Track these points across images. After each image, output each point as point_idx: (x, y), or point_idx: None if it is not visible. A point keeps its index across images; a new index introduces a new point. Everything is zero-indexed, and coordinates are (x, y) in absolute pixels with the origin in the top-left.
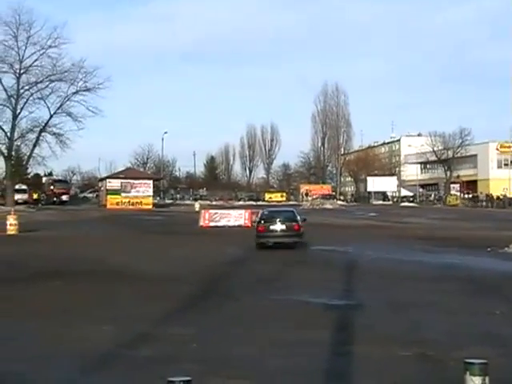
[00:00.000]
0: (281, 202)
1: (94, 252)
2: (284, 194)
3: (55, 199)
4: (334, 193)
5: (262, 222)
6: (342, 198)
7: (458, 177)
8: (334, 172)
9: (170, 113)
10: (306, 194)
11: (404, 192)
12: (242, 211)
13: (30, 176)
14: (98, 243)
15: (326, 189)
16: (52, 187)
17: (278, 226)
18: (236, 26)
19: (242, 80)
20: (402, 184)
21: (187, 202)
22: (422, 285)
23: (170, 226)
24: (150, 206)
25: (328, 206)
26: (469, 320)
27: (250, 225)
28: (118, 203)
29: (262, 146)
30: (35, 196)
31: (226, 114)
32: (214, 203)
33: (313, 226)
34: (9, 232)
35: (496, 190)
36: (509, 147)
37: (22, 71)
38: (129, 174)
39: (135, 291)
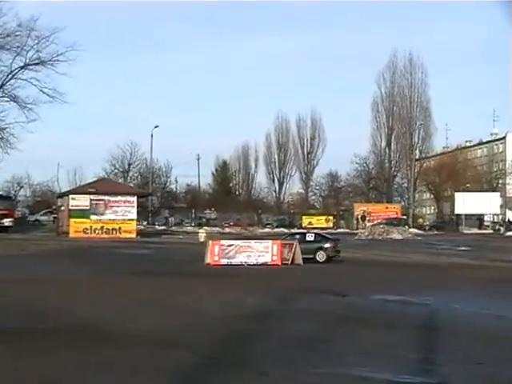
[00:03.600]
0: (325, 229)
1: (55, 301)
2: (330, 218)
3: None
4: (404, 216)
5: None
6: (418, 223)
7: None
8: (405, 185)
9: (163, 100)
10: (363, 218)
11: (511, 215)
12: (269, 243)
13: None
14: (60, 288)
15: (393, 210)
16: None
17: None
18: None
19: (266, 52)
20: (507, 204)
21: (188, 228)
22: None
23: (162, 264)
24: (134, 235)
25: (396, 235)
26: None
27: (279, 263)
28: (85, 230)
29: (299, 147)
30: None
31: (246, 101)
32: (227, 231)
33: (373, 266)
34: None
35: None
36: None
37: None
38: (102, 186)
39: (114, 360)
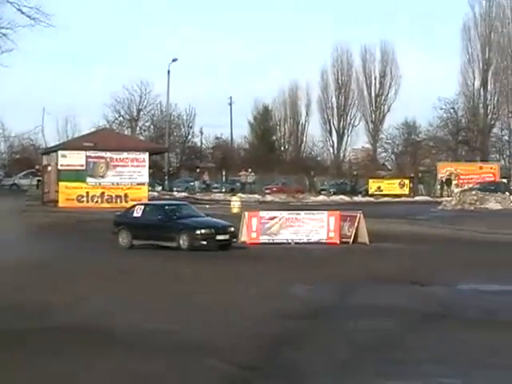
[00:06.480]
0: (400, 196)
1: (54, 295)
2: (406, 182)
3: None
4: (504, 180)
5: None
6: None
7: None
8: (506, 138)
9: (183, 25)
10: (449, 182)
11: None
12: (324, 215)
13: None
14: (54, 277)
15: (490, 171)
16: None
17: None
18: None
19: None
20: None
21: (217, 195)
22: None
23: None
24: None
25: (493, 204)
26: None
27: (338, 241)
28: (80, 198)
29: (364, 88)
30: None
31: (293, 28)
32: (268, 199)
33: (461, 245)
34: None
35: None
36: None
37: None
38: (103, 140)
39: (122, 369)
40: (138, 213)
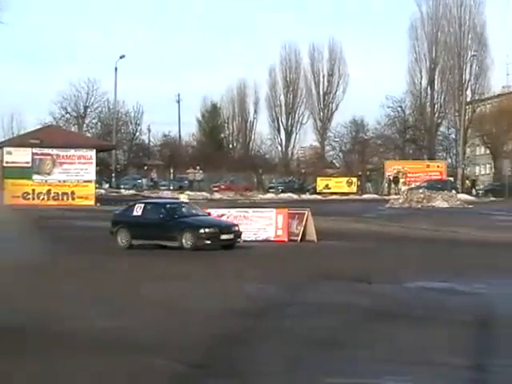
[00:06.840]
0: (347, 194)
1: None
2: (353, 181)
3: None
4: (451, 178)
5: None
6: (468, 186)
7: None
8: (453, 137)
9: (132, 21)
10: (397, 180)
11: None
12: (272, 212)
13: None
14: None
15: (437, 170)
16: None
17: None
18: None
19: None
20: None
21: (165, 192)
22: None
23: None
24: (92, 202)
25: (439, 202)
26: None
27: (286, 239)
28: (25, 195)
29: (313, 86)
30: None
31: (242, 26)
32: (216, 196)
33: (408, 243)
34: None
35: None
36: None
37: None
38: (49, 136)
39: (63, 370)
40: (137, 211)
